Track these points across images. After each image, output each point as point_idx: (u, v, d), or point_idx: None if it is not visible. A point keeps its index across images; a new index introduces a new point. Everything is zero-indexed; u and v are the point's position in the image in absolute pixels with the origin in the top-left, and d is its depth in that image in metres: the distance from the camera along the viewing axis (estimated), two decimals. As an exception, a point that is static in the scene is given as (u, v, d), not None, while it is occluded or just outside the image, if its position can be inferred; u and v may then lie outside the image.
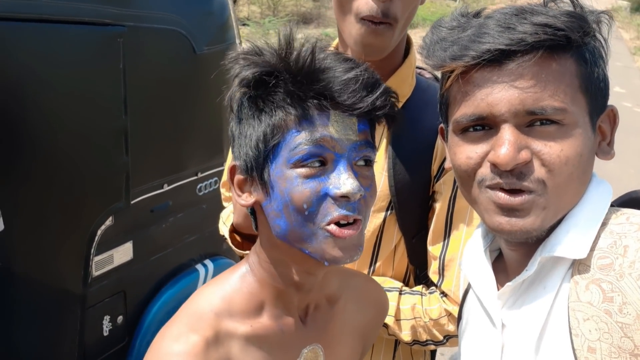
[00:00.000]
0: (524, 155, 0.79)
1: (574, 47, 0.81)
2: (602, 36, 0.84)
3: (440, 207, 1.28)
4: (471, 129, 0.85)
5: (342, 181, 0.83)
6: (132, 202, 1.90)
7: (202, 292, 0.93)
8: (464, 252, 1.04)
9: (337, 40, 1.37)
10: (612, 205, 0.86)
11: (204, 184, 2.27)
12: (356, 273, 1.19)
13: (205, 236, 2.31)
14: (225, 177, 1.49)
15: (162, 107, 1.97)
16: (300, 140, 0.83)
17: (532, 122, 0.80)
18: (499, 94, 0.80)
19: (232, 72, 0.89)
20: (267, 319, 0.93)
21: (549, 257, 0.82)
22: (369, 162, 0.90)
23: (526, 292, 0.87)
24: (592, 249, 0.80)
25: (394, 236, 1.32)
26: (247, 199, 0.92)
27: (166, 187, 2.06)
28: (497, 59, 0.79)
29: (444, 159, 1.24)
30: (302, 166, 0.83)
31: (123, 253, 1.95)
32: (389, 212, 1.30)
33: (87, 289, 1.81)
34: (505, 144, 0.79)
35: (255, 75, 0.86)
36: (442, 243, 1.29)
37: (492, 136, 0.82)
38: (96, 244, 1.80)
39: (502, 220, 0.82)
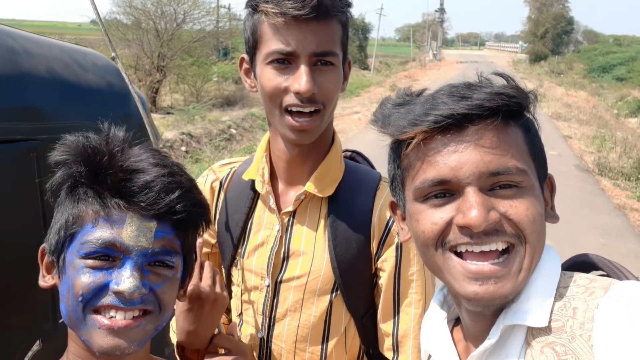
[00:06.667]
0: (494, 215, 0.81)
1: (523, 117, 0.85)
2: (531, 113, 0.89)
3: (386, 284, 1.30)
4: (433, 197, 0.85)
5: (123, 279, 0.86)
6: (60, 320, 1.78)
7: None
8: (423, 325, 1.03)
9: (267, 135, 1.40)
10: None
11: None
12: None
13: (144, 344, 2.18)
14: None
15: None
16: (91, 238, 0.87)
17: (493, 185, 0.82)
18: (462, 156, 0.81)
19: (51, 159, 0.94)
20: None
21: (512, 325, 0.83)
22: (165, 265, 0.93)
23: None
24: None
25: (342, 318, 1.32)
26: (49, 281, 0.98)
27: (96, 299, 1.95)
28: (457, 124, 0.81)
29: (384, 236, 1.26)
30: (90, 258, 0.88)
31: (55, 378, 1.80)
32: (334, 294, 1.30)
33: None
34: (475, 206, 0.80)
35: (65, 165, 0.93)
36: (393, 320, 1.30)
37: (456, 201, 0.83)
38: (24, 373, 1.66)
39: (479, 289, 0.82)
